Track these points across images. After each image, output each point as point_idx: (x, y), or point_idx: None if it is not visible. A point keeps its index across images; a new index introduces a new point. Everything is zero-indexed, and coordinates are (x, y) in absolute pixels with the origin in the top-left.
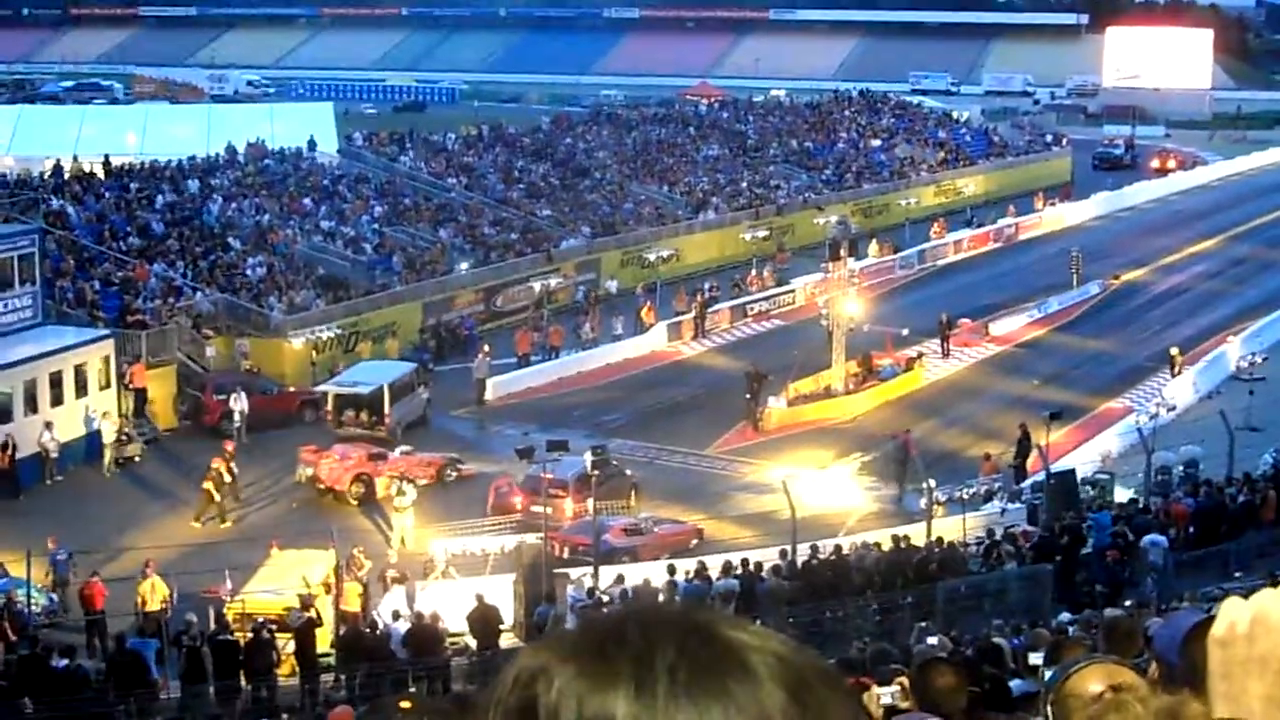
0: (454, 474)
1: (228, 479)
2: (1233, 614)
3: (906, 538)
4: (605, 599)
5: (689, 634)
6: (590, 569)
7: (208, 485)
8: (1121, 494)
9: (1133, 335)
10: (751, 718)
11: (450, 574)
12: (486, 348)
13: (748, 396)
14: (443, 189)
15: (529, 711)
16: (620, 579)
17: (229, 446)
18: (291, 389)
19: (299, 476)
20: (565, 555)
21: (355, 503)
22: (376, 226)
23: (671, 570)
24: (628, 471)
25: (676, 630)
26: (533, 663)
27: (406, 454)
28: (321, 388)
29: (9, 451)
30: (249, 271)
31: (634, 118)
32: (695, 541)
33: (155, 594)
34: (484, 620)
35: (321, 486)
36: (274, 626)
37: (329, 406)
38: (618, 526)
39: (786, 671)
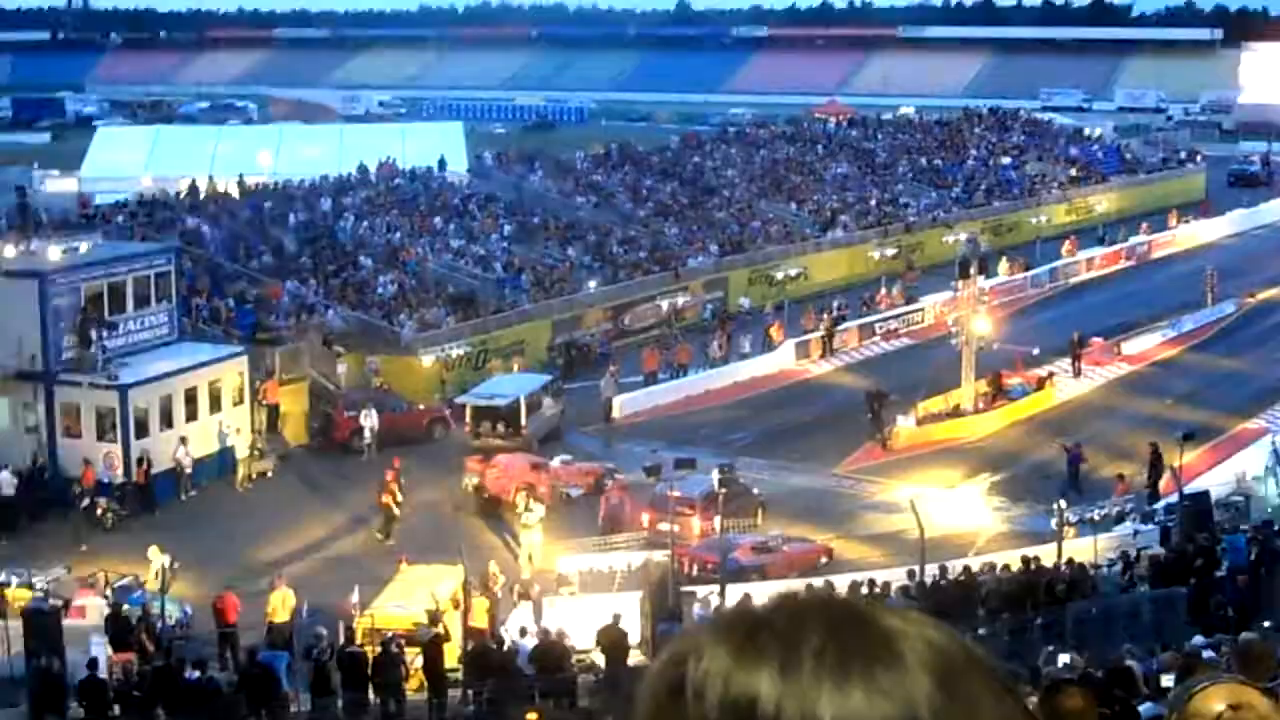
0: (610, 484)
1: (399, 495)
2: None
3: (1036, 558)
4: None
5: (838, 618)
6: (717, 587)
7: (386, 499)
8: (1256, 516)
9: (1268, 354)
10: (896, 704)
11: (576, 591)
12: (614, 366)
13: (869, 416)
14: (571, 207)
15: (677, 689)
16: (747, 598)
17: (398, 463)
18: (421, 406)
19: (464, 486)
20: (693, 573)
21: (519, 511)
22: (505, 245)
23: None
24: (754, 490)
25: (826, 615)
26: (685, 644)
27: (566, 464)
28: (460, 399)
29: (145, 467)
30: (380, 289)
31: (762, 136)
32: (824, 560)
33: (285, 605)
34: (613, 638)
35: (487, 496)
36: (403, 641)
37: (467, 418)
38: (746, 544)
39: (937, 658)
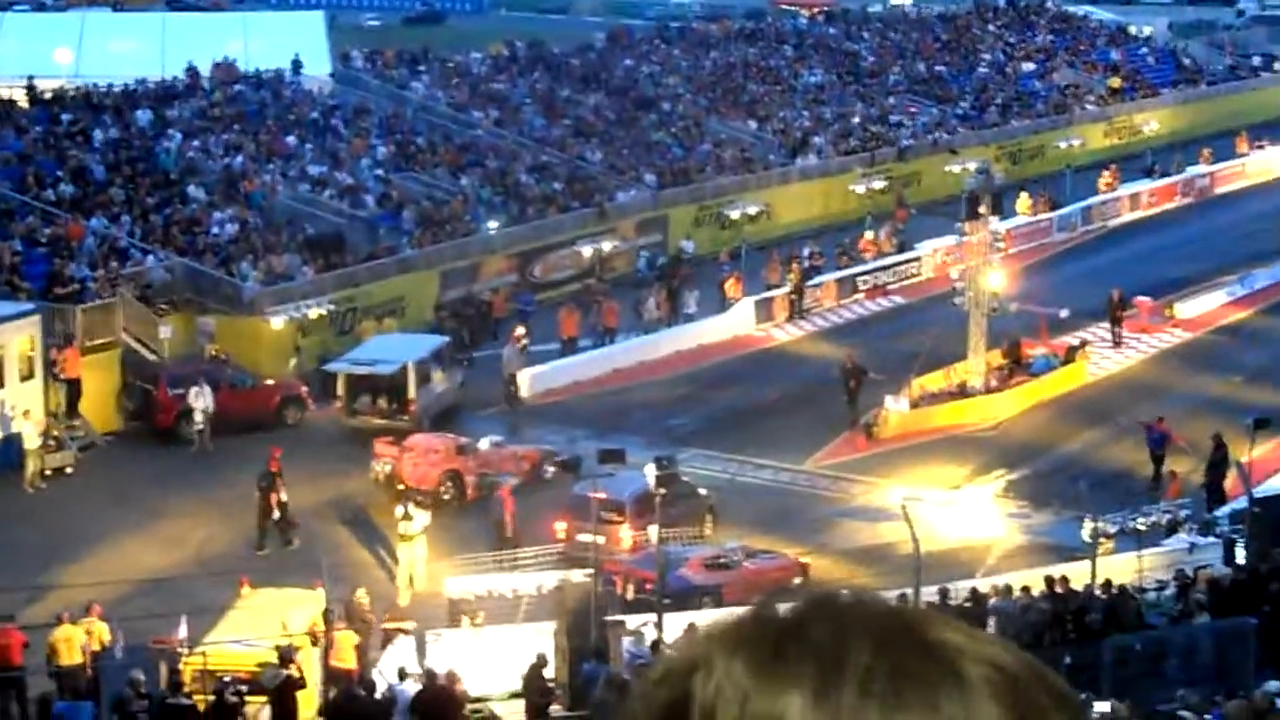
0: (551, 470)
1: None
2: None
3: (1065, 579)
4: None
5: (888, 630)
6: (654, 616)
7: (274, 499)
8: None
9: None
10: None
11: (474, 621)
12: (520, 330)
13: (845, 398)
14: (466, 125)
15: (678, 711)
16: (693, 628)
17: (279, 454)
18: (269, 381)
19: (375, 475)
20: (627, 595)
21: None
22: (380, 173)
23: None
24: (702, 490)
25: (873, 625)
26: (691, 653)
27: (497, 446)
28: (332, 366)
29: None
30: (215, 229)
31: (713, 33)
32: (799, 580)
33: (72, 646)
34: (539, 686)
35: (403, 488)
36: (243, 688)
37: (340, 391)
38: (697, 559)
39: (1005, 683)
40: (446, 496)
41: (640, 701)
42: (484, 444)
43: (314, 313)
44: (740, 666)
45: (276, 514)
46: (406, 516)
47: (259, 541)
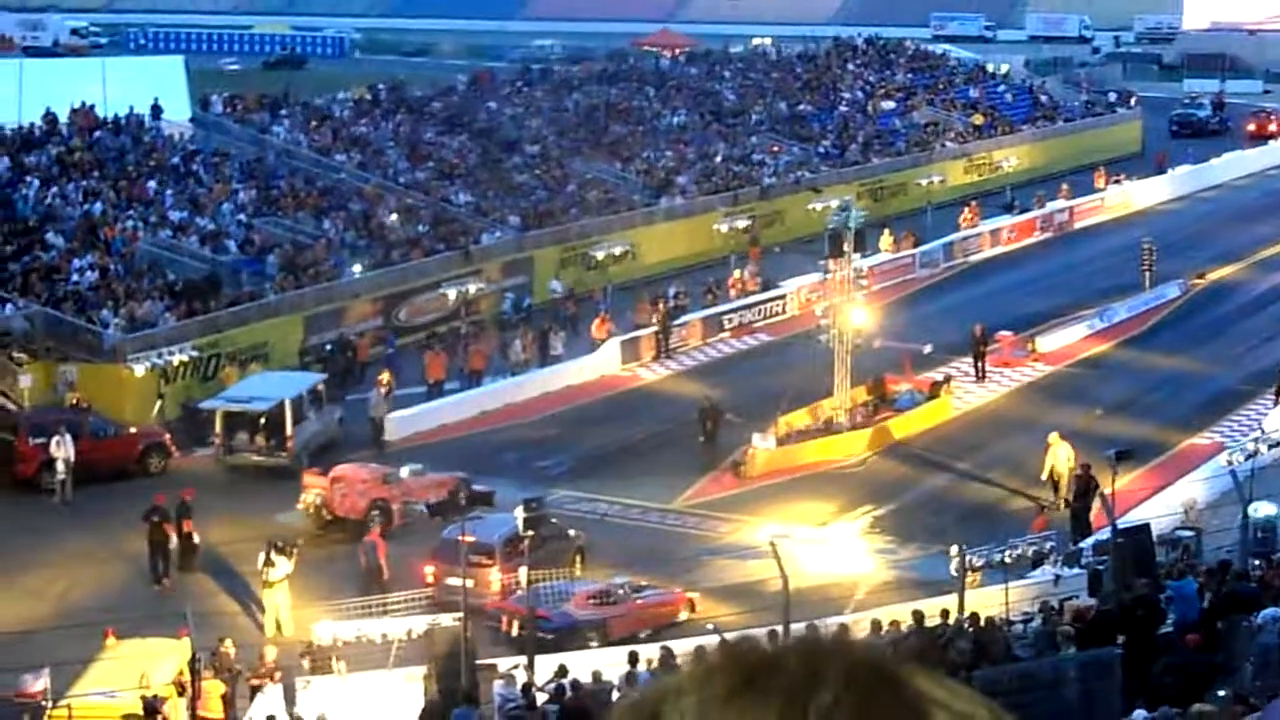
0: (465, 497)
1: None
2: None
3: (937, 613)
4: (544, 697)
5: (861, 671)
6: (524, 659)
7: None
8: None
9: (1223, 350)
10: None
11: (343, 669)
12: (385, 376)
13: (701, 439)
14: (329, 169)
15: None
16: (563, 671)
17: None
18: (133, 430)
19: (304, 505)
20: (511, 632)
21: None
22: (243, 218)
23: (633, 659)
24: (571, 532)
25: (846, 664)
26: (662, 686)
27: (416, 474)
28: (208, 404)
29: None
30: (75, 277)
31: (575, 75)
32: (686, 615)
33: None
34: None
35: (331, 517)
36: None
37: (218, 428)
38: (583, 594)
39: None
40: (374, 525)
41: None
42: (404, 473)
43: (177, 360)
44: (711, 693)
45: (175, 543)
46: (269, 563)
47: (157, 576)
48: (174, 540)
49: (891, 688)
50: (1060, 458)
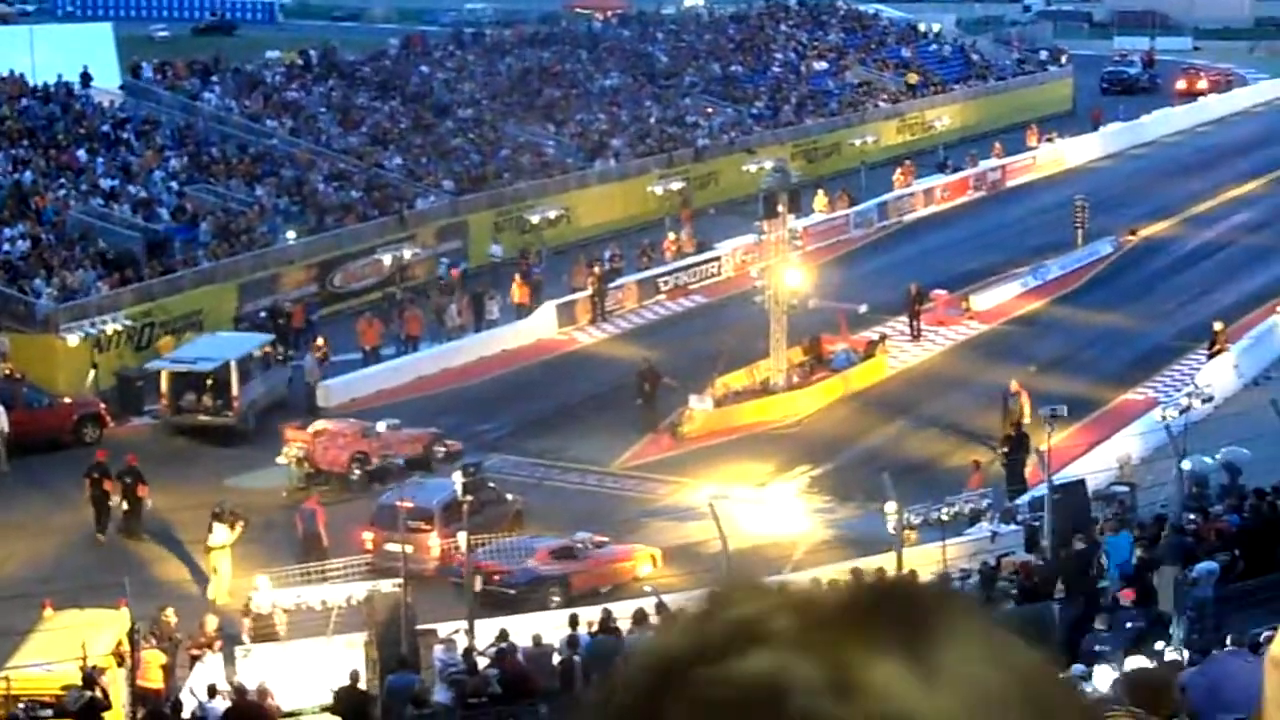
0: (443, 450)
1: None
2: None
3: (874, 570)
4: (485, 661)
5: (958, 607)
6: (464, 623)
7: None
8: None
9: (1156, 306)
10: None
11: (282, 634)
12: (320, 341)
13: (639, 401)
14: (260, 134)
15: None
16: (503, 635)
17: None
18: (66, 400)
19: (287, 459)
20: (477, 588)
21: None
22: (174, 185)
23: (573, 622)
24: (509, 496)
25: (946, 601)
26: (745, 610)
27: (393, 428)
28: (154, 364)
29: None
30: (6, 246)
31: (508, 38)
32: (650, 569)
33: None
34: (355, 702)
35: (312, 470)
36: (47, 711)
37: (163, 388)
38: (545, 549)
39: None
40: (355, 476)
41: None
42: (381, 427)
43: (110, 328)
44: (830, 633)
45: (125, 506)
46: (210, 530)
47: (102, 528)
48: (115, 499)
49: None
50: (1025, 407)
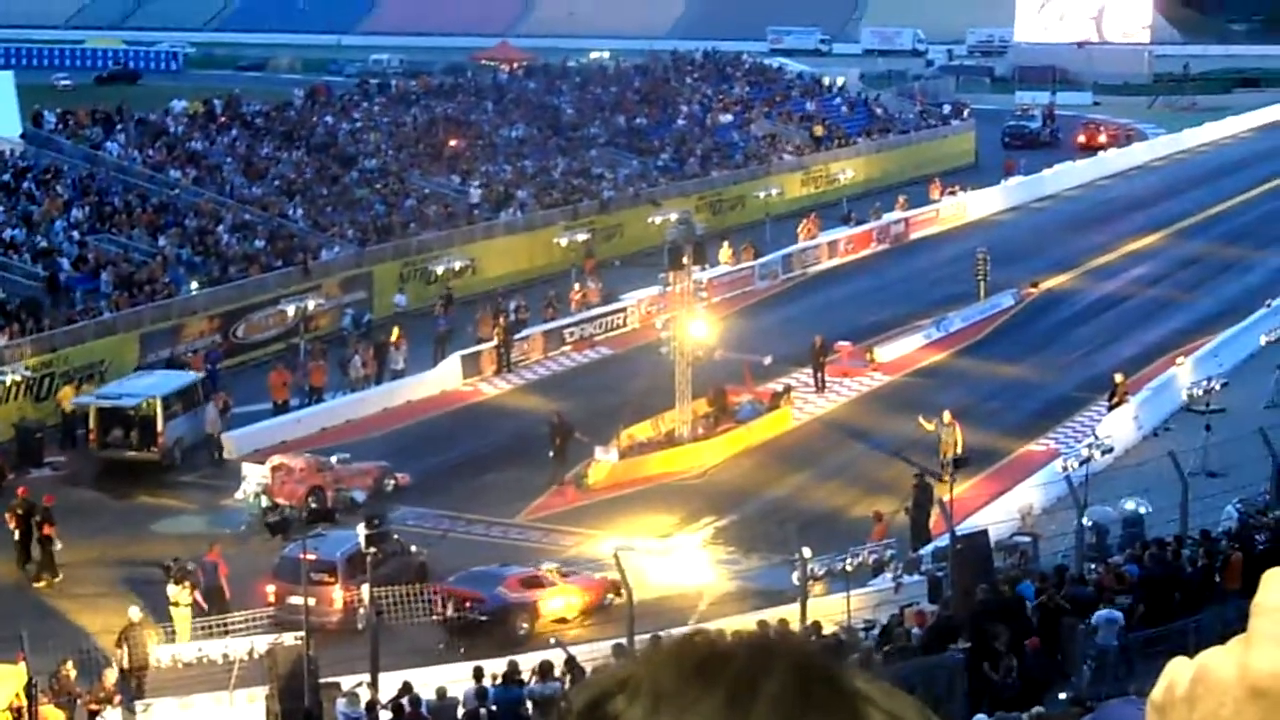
0: (392, 484)
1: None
2: (1173, 675)
3: (784, 622)
4: (388, 715)
5: (805, 665)
6: (367, 677)
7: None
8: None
9: (1057, 358)
10: None
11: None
12: (222, 393)
13: (550, 455)
14: (164, 184)
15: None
16: (407, 688)
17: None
18: None
19: (245, 495)
20: (446, 614)
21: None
22: (76, 235)
23: (478, 674)
24: (414, 548)
25: (792, 659)
26: (613, 674)
27: (344, 463)
28: (80, 400)
29: None
30: None
31: (413, 89)
32: (611, 598)
33: None
34: None
35: (271, 504)
36: None
37: (91, 424)
38: (514, 577)
39: None
40: (311, 510)
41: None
42: (333, 460)
43: (9, 379)
44: (662, 681)
45: (37, 550)
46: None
47: (36, 573)
48: (16, 535)
49: (833, 683)
50: (958, 437)
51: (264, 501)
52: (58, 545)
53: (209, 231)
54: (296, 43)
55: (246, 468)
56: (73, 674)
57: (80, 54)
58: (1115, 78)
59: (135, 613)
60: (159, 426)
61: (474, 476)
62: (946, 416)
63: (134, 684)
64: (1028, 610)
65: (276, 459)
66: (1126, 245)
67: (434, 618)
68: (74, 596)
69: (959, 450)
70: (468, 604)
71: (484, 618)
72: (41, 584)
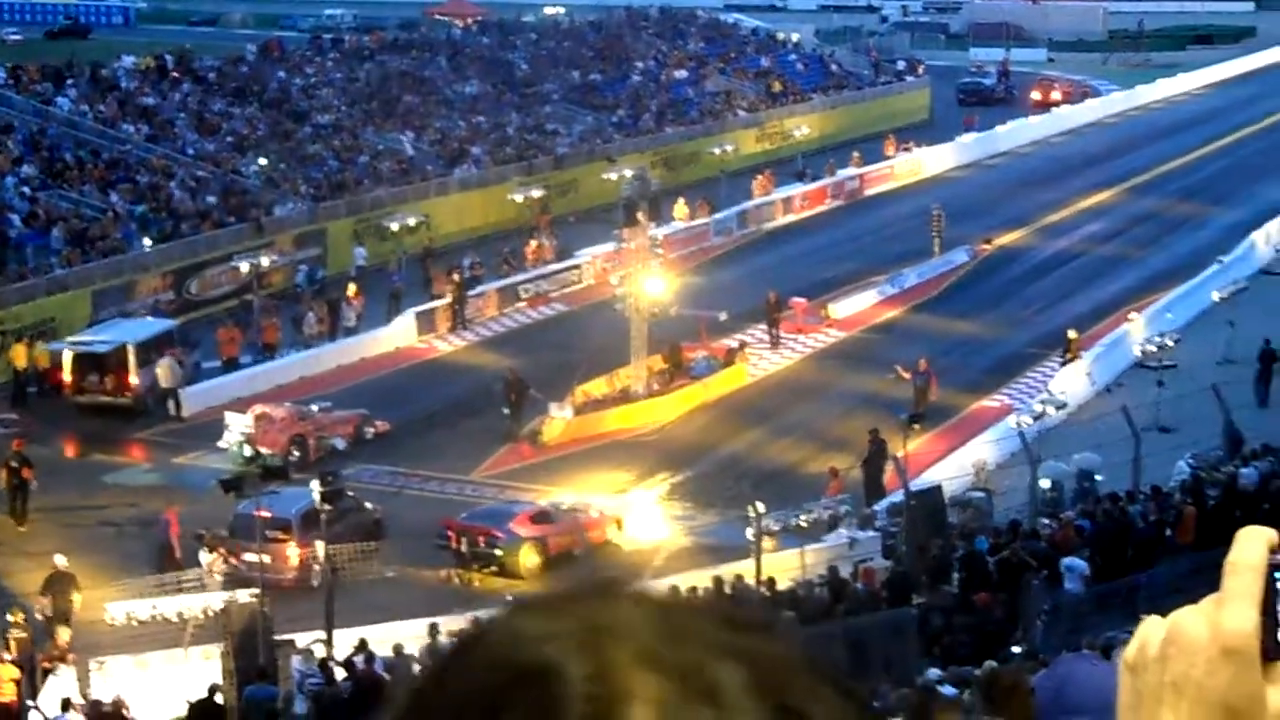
0: (371, 431)
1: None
2: (1145, 634)
3: (733, 578)
4: (342, 672)
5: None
6: (322, 633)
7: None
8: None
9: (1010, 314)
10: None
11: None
12: (177, 349)
13: (505, 411)
14: (115, 140)
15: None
16: (363, 645)
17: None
18: None
19: (229, 444)
20: (462, 548)
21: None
22: (27, 190)
23: (434, 630)
24: (369, 505)
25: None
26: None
27: (325, 410)
28: (55, 345)
29: None
30: None
31: (367, 44)
32: (614, 529)
33: None
34: (210, 716)
35: (254, 453)
36: None
37: (68, 369)
38: (523, 513)
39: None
40: (294, 458)
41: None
42: (314, 409)
43: None
44: (525, 615)
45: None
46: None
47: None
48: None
49: (693, 617)
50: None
51: (247, 450)
52: (33, 486)
53: (161, 187)
54: None
55: (229, 417)
56: (25, 632)
57: (30, 8)
58: (1070, 34)
59: (61, 560)
60: (132, 371)
61: (429, 433)
62: (922, 363)
63: (52, 633)
64: (989, 565)
65: (259, 408)
66: (1080, 202)
67: (448, 549)
68: (27, 553)
69: (934, 397)
70: (481, 539)
71: (498, 552)
72: (24, 529)
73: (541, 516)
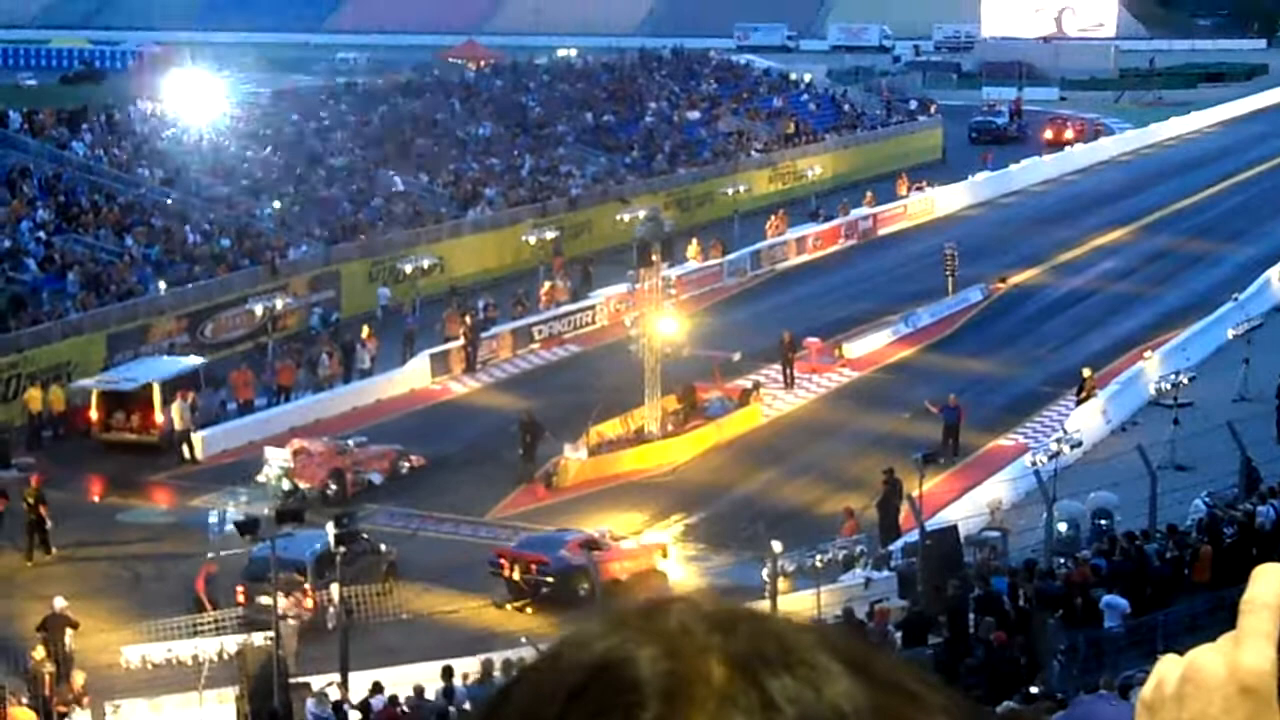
0: (407, 465)
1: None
2: (1162, 673)
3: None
4: (357, 715)
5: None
6: (337, 677)
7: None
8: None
9: (1025, 353)
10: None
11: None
12: (189, 390)
13: (520, 453)
14: (130, 184)
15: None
16: (378, 688)
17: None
18: None
19: (266, 477)
20: (513, 576)
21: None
22: (42, 235)
23: (448, 673)
24: (383, 547)
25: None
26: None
27: (361, 446)
28: (82, 383)
29: None
30: None
31: (380, 87)
32: (661, 558)
33: None
34: None
35: (292, 487)
36: None
37: (94, 407)
38: (574, 541)
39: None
40: (332, 492)
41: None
42: (350, 444)
43: None
44: (609, 627)
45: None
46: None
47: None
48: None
49: (777, 628)
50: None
51: (286, 484)
52: (49, 524)
53: (175, 231)
54: (264, 41)
55: (268, 451)
56: (47, 675)
57: (46, 53)
58: (1081, 73)
59: (60, 602)
60: (157, 410)
61: (443, 475)
62: (952, 399)
63: (44, 677)
64: (1005, 605)
65: (297, 442)
66: (1094, 240)
67: (499, 577)
68: (40, 597)
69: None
70: (534, 566)
71: (549, 579)
72: (31, 563)
73: (591, 544)
